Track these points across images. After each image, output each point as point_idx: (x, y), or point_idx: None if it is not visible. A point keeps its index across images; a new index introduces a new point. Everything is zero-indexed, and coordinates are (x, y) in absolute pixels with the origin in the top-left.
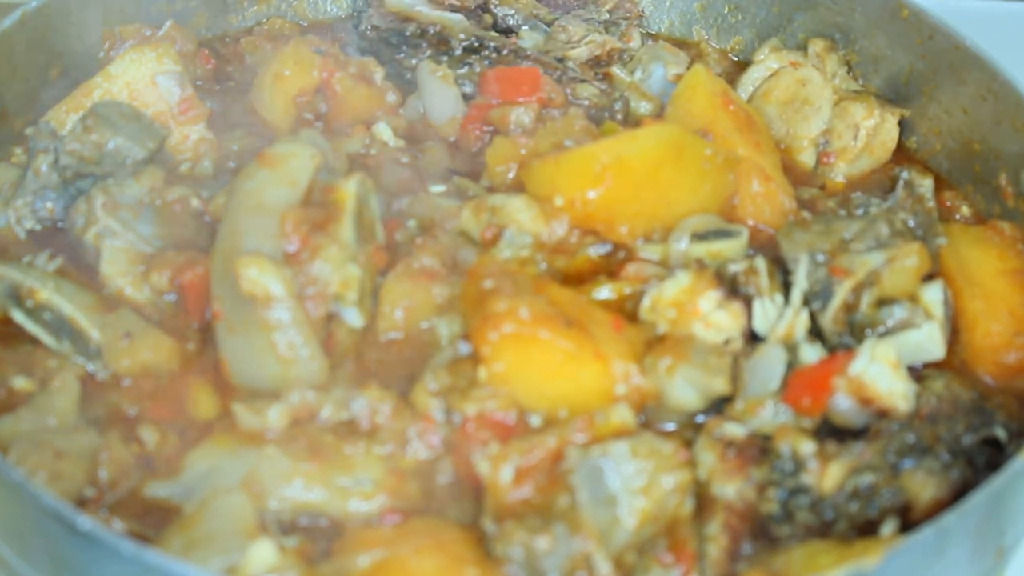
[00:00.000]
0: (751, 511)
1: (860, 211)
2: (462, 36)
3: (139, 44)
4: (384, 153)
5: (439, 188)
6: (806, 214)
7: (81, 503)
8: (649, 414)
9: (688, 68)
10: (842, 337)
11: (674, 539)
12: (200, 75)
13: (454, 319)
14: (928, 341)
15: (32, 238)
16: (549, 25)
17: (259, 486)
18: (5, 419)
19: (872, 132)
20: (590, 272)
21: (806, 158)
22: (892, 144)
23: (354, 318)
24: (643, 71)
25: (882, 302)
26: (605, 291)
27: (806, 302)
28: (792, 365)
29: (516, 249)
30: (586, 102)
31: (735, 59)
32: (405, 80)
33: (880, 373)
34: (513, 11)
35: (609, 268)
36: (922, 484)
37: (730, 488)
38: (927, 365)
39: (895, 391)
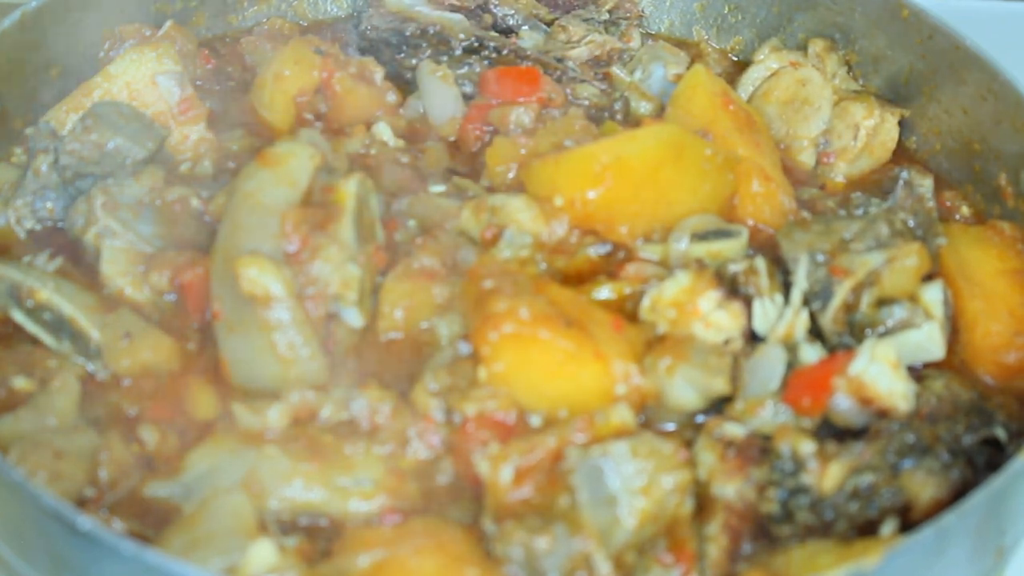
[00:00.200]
0: (751, 511)
1: (860, 211)
2: (462, 36)
3: (139, 44)
4: (384, 153)
5: (439, 188)
6: (806, 214)
7: (81, 503)
8: (649, 414)
9: (688, 68)
10: (842, 337)
11: (674, 539)
12: (200, 75)
13: (454, 319)
14: (928, 341)
15: (32, 238)
16: (549, 25)
17: (259, 486)
18: (5, 419)
19: (872, 132)
20: (590, 272)
21: (806, 158)
22: (892, 144)
23: (354, 318)
24: (643, 71)
25: (882, 302)
26: (605, 291)
27: (806, 302)
28: (792, 365)
29: (516, 249)
30: (586, 102)
31: (735, 59)
32: (405, 80)
33: (880, 373)
34: (513, 11)
35: (609, 268)
36: (922, 484)
37: (730, 488)
38: (927, 365)
39: (895, 391)
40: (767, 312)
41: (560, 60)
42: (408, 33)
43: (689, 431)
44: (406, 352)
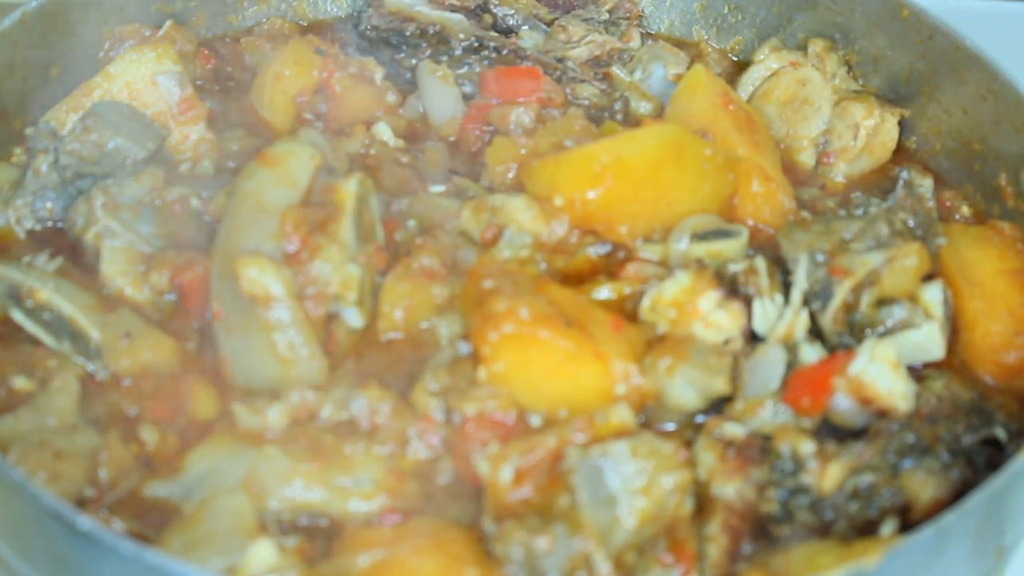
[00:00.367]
0: (751, 511)
1: (860, 211)
2: (462, 36)
3: (139, 44)
4: (384, 153)
5: (439, 188)
6: (806, 214)
7: (81, 503)
8: (649, 414)
9: (688, 68)
10: (842, 337)
11: (674, 539)
12: (200, 75)
13: (454, 319)
14: (928, 341)
15: (32, 238)
16: (549, 25)
17: (259, 486)
18: (5, 419)
19: (872, 132)
20: (590, 272)
21: (806, 158)
22: (892, 144)
23: (354, 318)
24: (643, 71)
25: (882, 302)
26: (605, 291)
27: (806, 302)
28: (792, 365)
29: (516, 249)
30: (586, 102)
31: (735, 59)
32: (405, 80)
33: (880, 373)
34: (513, 11)
35: (609, 268)
36: (922, 484)
37: (730, 488)
38: (927, 365)
39: (895, 391)
40: (767, 312)
41: (560, 60)
42: (408, 33)
43: (689, 431)
44: (406, 352)
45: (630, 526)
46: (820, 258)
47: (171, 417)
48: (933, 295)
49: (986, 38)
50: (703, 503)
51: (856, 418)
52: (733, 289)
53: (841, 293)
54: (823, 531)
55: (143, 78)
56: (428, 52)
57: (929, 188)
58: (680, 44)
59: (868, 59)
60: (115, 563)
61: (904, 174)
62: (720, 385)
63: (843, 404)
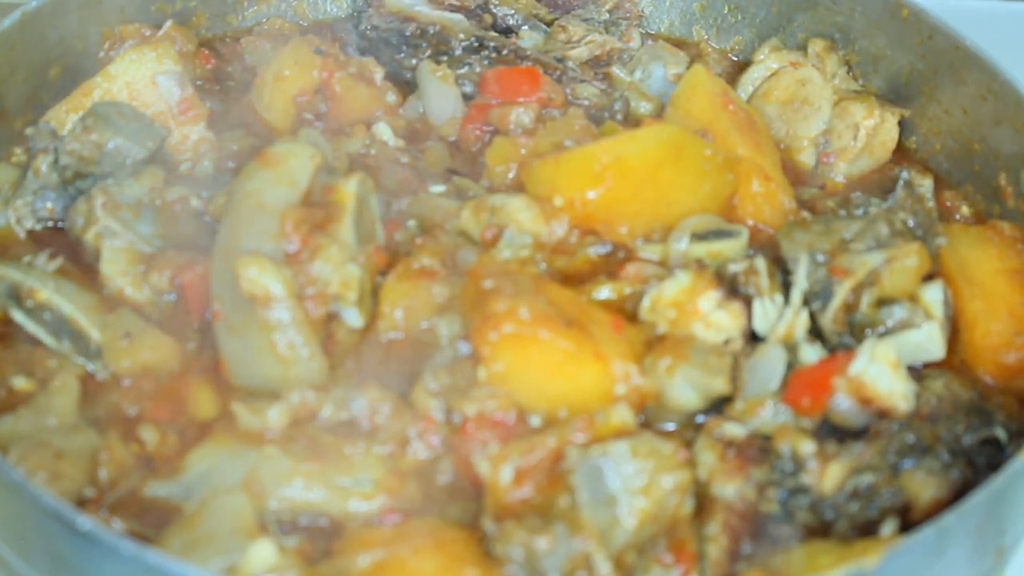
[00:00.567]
0: (751, 511)
1: (860, 211)
2: (462, 36)
3: (139, 44)
4: (384, 153)
5: (439, 188)
6: (806, 214)
7: (81, 503)
8: (649, 414)
9: (688, 68)
10: (842, 337)
11: (674, 539)
12: (200, 75)
13: (454, 319)
14: (928, 341)
15: (32, 238)
16: (549, 25)
17: (259, 486)
18: (5, 419)
19: (872, 132)
20: (590, 272)
21: (806, 158)
22: (892, 144)
23: (354, 318)
24: (643, 71)
25: (882, 302)
26: (605, 291)
27: (806, 302)
28: (792, 365)
29: (516, 249)
30: (586, 102)
31: (735, 59)
32: (405, 80)
33: (880, 373)
34: (513, 11)
35: (609, 268)
36: (922, 484)
37: (730, 488)
38: (927, 365)
39: (895, 391)
40: (767, 312)
41: (560, 60)
42: (408, 33)
43: (689, 431)
44: (406, 352)
45: (630, 526)
46: (820, 258)
47: (171, 417)
48: (933, 295)
49: (986, 38)
50: (703, 503)
51: (856, 418)
52: (733, 289)
53: (841, 293)
54: (823, 531)
55: (143, 78)
56: (428, 52)
57: (929, 188)
58: (680, 44)
59: (868, 59)
60: (115, 563)
61: (904, 174)
62: (720, 385)
63: (843, 404)
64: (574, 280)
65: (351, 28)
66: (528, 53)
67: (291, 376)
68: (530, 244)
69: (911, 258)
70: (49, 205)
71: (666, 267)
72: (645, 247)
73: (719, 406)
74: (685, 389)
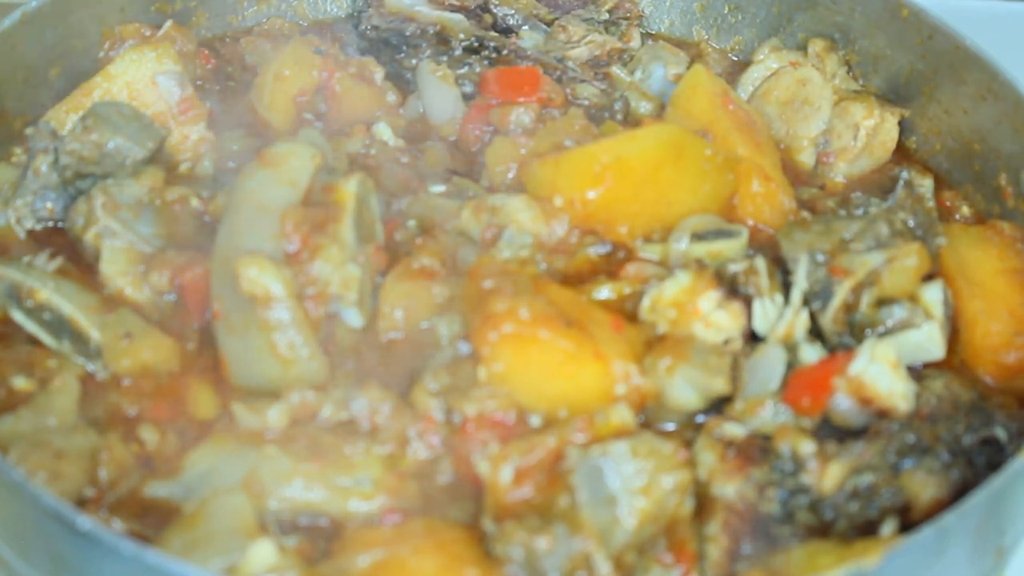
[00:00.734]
0: (751, 511)
1: (860, 211)
2: (462, 36)
3: (139, 44)
4: (384, 153)
5: (439, 188)
6: (806, 214)
7: (81, 503)
8: (649, 414)
9: (688, 68)
10: (842, 337)
11: (674, 539)
12: (200, 75)
13: (454, 319)
14: (928, 341)
15: (32, 238)
16: (549, 25)
17: (259, 486)
18: (5, 419)
19: (872, 132)
20: (590, 272)
21: (806, 158)
22: (892, 144)
23: (354, 318)
24: (643, 71)
25: (882, 302)
26: (605, 291)
27: (806, 302)
28: (792, 365)
29: (516, 249)
30: (586, 102)
31: (735, 59)
32: (405, 80)
33: (880, 373)
34: (513, 11)
35: (609, 268)
36: (922, 484)
37: (730, 488)
38: (927, 365)
39: (895, 391)
40: (767, 312)
41: (560, 60)
42: (408, 33)
43: (689, 431)
44: (406, 352)
45: (630, 526)
46: (820, 258)
47: (171, 417)
48: (933, 295)
49: (986, 38)
50: (703, 503)
51: (856, 418)
52: (733, 289)
53: (841, 293)
54: (823, 531)
55: (143, 78)
56: (428, 52)
57: (929, 188)
58: (680, 44)
59: (868, 59)
60: (115, 563)
61: (904, 174)
62: (720, 385)
63: (843, 404)
64: (574, 280)
65: (351, 28)
66: (528, 53)
67: (291, 376)
68: (530, 244)
69: (911, 258)
70: (49, 205)
71: (666, 267)
72: (645, 247)
73: (719, 406)
74: (685, 389)
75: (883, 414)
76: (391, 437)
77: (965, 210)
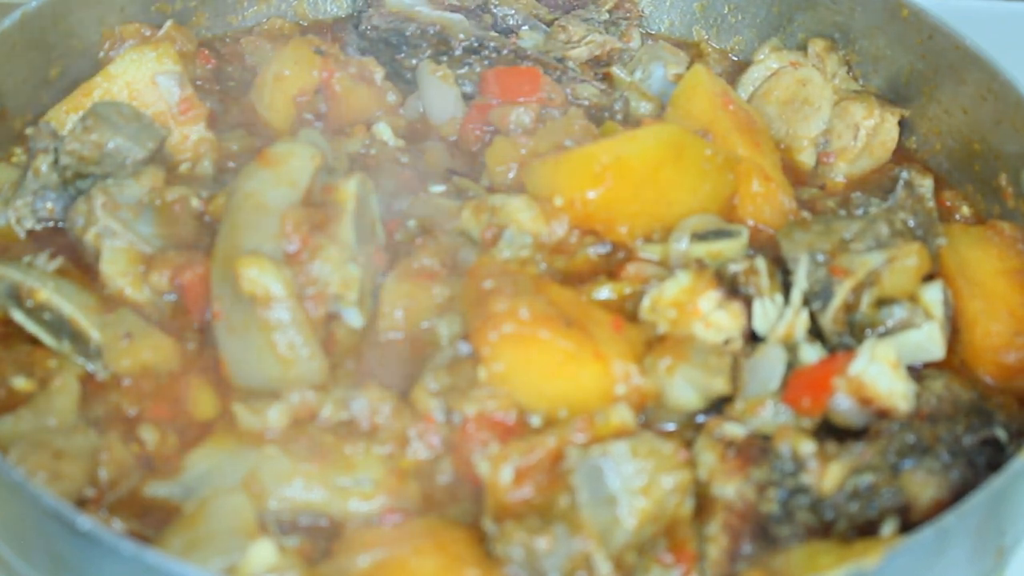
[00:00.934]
0: (751, 511)
1: (860, 211)
2: (462, 36)
3: (139, 44)
4: (384, 153)
5: (439, 188)
6: (806, 214)
7: (81, 503)
8: (649, 414)
9: (688, 68)
10: (842, 337)
11: (674, 539)
12: (200, 75)
13: (454, 319)
14: (928, 341)
15: (32, 238)
16: (549, 25)
17: (259, 486)
18: (5, 419)
19: (872, 132)
20: (590, 272)
21: (806, 158)
22: (892, 144)
23: (354, 318)
24: (643, 71)
25: (882, 302)
26: (605, 291)
27: (806, 302)
28: (792, 365)
29: (516, 249)
30: (586, 102)
31: (735, 59)
32: (405, 80)
33: (880, 373)
34: (513, 11)
35: (609, 268)
36: (922, 484)
37: (730, 488)
38: (927, 365)
39: (895, 391)
40: (767, 312)
41: (560, 60)
42: (408, 33)
43: (689, 431)
44: (406, 352)
45: (630, 526)
46: (820, 258)
47: (171, 417)
48: (933, 295)
49: (986, 38)
50: (703, 503)
51: (856, 418)
52: (733, 289)
53: (841, 293)
54: (823, 531)
55: (143, 78)
56: (428, 52)
57: (929, 188)
58: (680, 44)
59: (868, 59)
60: (115, 563)
61: (904, 174)
62: (720, 385)
63: (843, 404)
64: (574, 280)
65: (351, 28)
66: (528, 53)
67: (291, 376)
68: (530, 244)
69: (911, 258)
70: (49, 205)
71: (666, 267)
72: (645, 247)
73: (719, 406)
74: (685, 389)
75: (883, 414)
76: (391, 437)
77: (965, 210)
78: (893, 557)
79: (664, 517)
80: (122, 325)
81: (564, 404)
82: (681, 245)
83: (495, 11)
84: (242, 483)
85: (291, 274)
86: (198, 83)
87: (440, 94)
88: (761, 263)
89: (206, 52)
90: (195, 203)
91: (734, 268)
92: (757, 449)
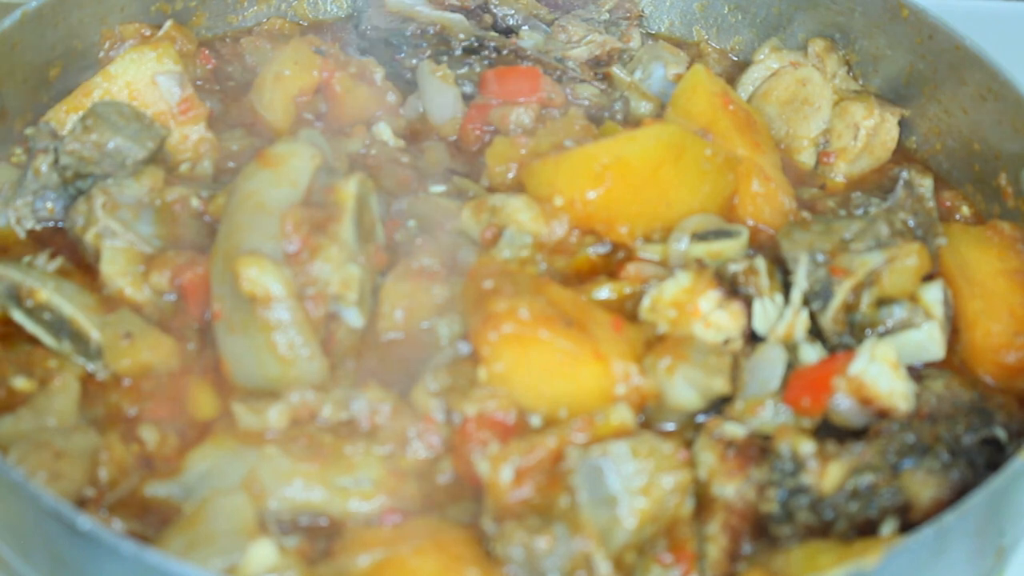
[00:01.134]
0: (751, 511)
1: (860, 211)
2: (462, 36)
3: (139, 44)
4: (384, 153)
5: (439, 188)
6: (806, 214)
7: (81, 503)
8: (649, 414)
9: (688, 68)
10: (842, 337)
11: (674, 539)
12: (200, 75)
13: (454, 319)
14: (928, 341)
15: (32, 238)
16: (549, 25)
17: (259, 486)
18: (5, 419)
19: (872, 132)
20: (590, 272)
21: (806, 158)
22: (892, 144)
23: (354, 318)
24: (643, 71)
25: (882, 302)
26: (605, 291)
27: (806, 302)
28: (792, 365)
29: (516, 249)
30: (586, 102)
31: (735, 59)
32: (405, 80)
33: (880, 373)
34: (513, 11)
35: (609, 268)
36: (922, 484)
37: (730, 488)
38: (927, 365)
39: (895, 391)
40: (767, 312)
41: (560, 60)
42: (408, 33)
43: (689, 431)
44: (406, 352)
45: (630, 526)
46: (820, 258)
47: (171, 417)
48: (933, 295)
49: (986, 38)
50: (703, 503)
51: (856, 418)
52: (733, 289)
53: (841, 293)
54: (823, 531)
55: (143, 78)
56: (428, 52)
57: (929, 188)
58: (680, 44)
59: (868, 59)
60: (115, 563)
61: (904, 174)
62: (720, 385)
63: (843, 404)
64: (574, 280)
65: (351, 28)
66: (528, 53)
67: (291, 376)
68: (530, 244)
69: (911, 258)
70: (49, 205)
71: (666, 267)
72: (645, 247)
73: (719, 406)
74: (685, 389)
75: (883, 414)
76: (391, 437)
77: (965, 210)
78: (893, 557)
79: (664, 517)
80: (122, 325)
81: (564, 404)
82: (681, 245)
83: (495, 11)
84: (242, 483)
85: (291, 274)
86: (198, 83)
87: (440, 94)
88: (761, 263)
89: (206, 52)
90: (195, 203)
91: (734, 268)
92: (757, 449)
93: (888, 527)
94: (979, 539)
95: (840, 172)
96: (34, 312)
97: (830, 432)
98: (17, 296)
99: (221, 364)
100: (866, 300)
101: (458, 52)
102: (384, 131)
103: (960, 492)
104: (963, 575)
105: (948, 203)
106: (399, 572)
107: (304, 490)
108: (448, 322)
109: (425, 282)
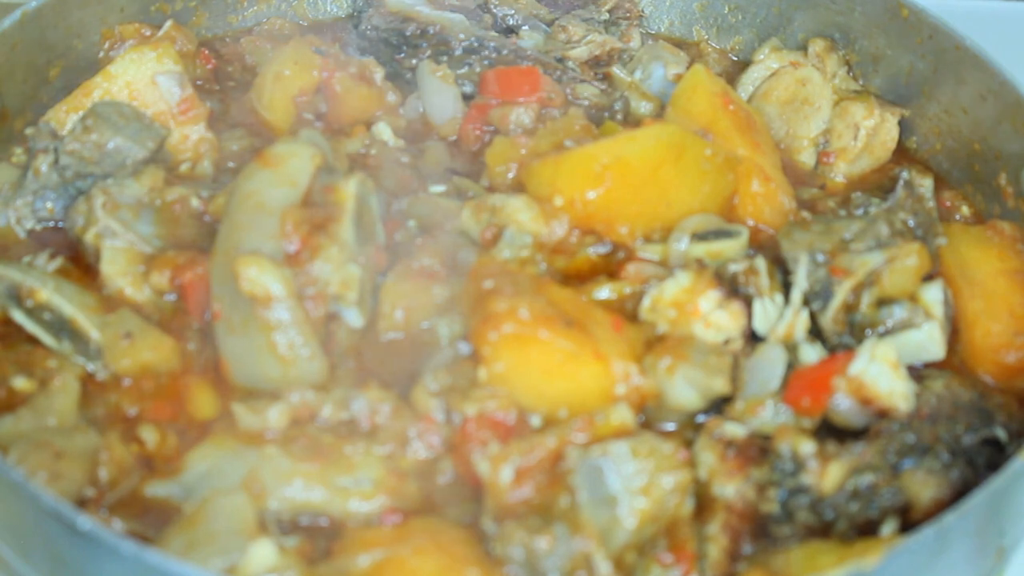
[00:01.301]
0: (751, 511)
1: (860, 211)
2: (462, 36)
3: (139, 44)
4: (384, 153)
5: (439, 188)
6: (806, 214)
7: (81, 503)
8: (649, 414)
9: (688, 68)
10: (842, 337)
11: (674, 539)
12: (200, 75)
13: (454, 319)
14: (928, 341)
15: (32, 238)
16: (549, 25)
17: (259, 486)
18: (5, 419)
19: (872, 132)
20: (590, 272)
21: (806, 158)
22: (892, 144)
23: (354, 318)
24: (643, 71)
25: (882, 302)
26: (605, 291)
27: (806, 302)
28: (792, 365)
29: (516, 249)
30: (586, 102)
31: (735, 59)
32: (405, 80)
33: (880, 373)
34: (513, 11)
35: (609, 268)
36: (922, 484)
37: (730, 488)
38: (927, 365)
39: (895, 391)
40: (767, 312)
41: (560, 60)
42: (408, 33)
43: (689, 431)
44: (406, 352)
45: (630, 526)
46: (820, 258)
47: (171, 417)
48: (933, 295)
49: (986, 38)
50: (703, 503)
51: (856, 418)
52: (733, 289)
53: (841, 293)
54: (823, 531)
55: (143, 78)
56: (428, 52)
57: (929, 188)
58: (680, 44)
59: (868, 59)
60: (115, 563)
61: (904, 174)
62: (720, 385)
63: (843, 404)
64: (574, 280)
65: (351, 28)
66: (528, 53)
67: (291, 376)
68: (530, 244)
69: (911, 258)
70: (49, 205)
71: (666, 267)
72: (645, 247)
73: (719, 406)
74: (685, 389)
75: (883, 414)
76: (391, 437)
77: (965, 210)
78: (893, 557)
79: (664, 517)
80: (122, 325)
81: (564, 404)
82: (681, 245)
83: (495, 11)
84: (242, 483)
85: (291, 274)
86: (198, 83)
87: (440, 94)
88: (761, 263)
89: (206, 52)
90: (195, 203)
91: (734, 268)
92: (757, 449)
93: (888, 527)
94: (979, 539)
95: (840, 172)
96: (34, 312)
97: (830, 432)
98: (17, 296)
99: (221, 364)
100: (866, 300)
101: (458, 52)
102: (384, 131)
103: (960, 492)
104: (963, 575)
105: (948, 203)
106: (399, 572)
107: (304, 490)
108: (448, 322)
109: (425, 282)
